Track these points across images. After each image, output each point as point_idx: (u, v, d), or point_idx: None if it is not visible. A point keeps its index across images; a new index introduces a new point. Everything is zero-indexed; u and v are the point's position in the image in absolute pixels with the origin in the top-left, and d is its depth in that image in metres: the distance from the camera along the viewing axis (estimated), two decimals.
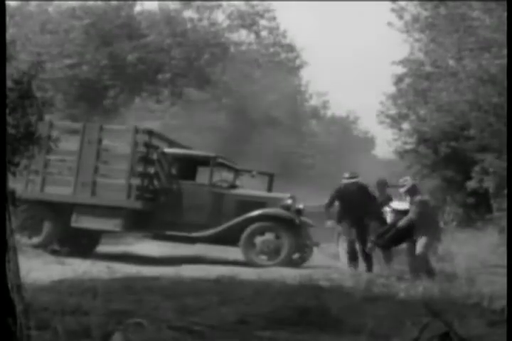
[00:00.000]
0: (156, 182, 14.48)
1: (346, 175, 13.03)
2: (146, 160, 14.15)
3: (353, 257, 12.54)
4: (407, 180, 11.44)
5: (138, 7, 31.58)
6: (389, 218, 12.21)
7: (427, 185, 26.41)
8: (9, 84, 9.42)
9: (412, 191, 11.32)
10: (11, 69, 9.56)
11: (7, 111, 8.95)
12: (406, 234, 11.24)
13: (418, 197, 11.22)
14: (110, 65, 28.83)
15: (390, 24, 25.25)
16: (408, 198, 11.46)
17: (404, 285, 9.34)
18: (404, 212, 11.38)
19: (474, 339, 5.72)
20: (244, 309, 5.68)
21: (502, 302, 7.31)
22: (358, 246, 12.61)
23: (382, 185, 13.37)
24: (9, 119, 9.47)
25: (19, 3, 28.52)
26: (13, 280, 3.55)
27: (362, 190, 12.90)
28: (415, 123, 25.97)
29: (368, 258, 12.55)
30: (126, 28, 29.80)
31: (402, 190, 11.44)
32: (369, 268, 12.49)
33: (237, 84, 30.06)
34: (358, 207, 12.63)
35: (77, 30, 28.58)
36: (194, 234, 14.01)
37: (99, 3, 29.75)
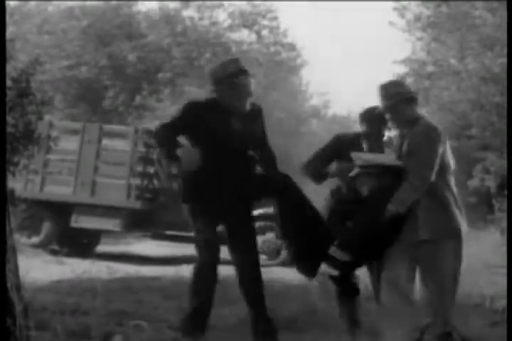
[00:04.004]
0: (156, 182, 14.44)
1: None
2: (146, 160, 14.12)
3: None
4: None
5: (137, 6, 31.51)
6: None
7: None
8: (8, 82, 9.39)
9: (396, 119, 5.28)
10: (10, 68, 9.54)
11: (6, 110, 8.91)
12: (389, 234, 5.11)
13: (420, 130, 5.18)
14: (109, 65, 28.78)
15: (391, 23, 25.22)
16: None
17: None
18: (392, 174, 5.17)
19: (476, 339, 5.69)
20: (245, 309, 5.64)
21: (504, 303, 7.27)
22: None
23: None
24: (8, 118, 9.44)
25: (18, 2, 28.49)
26: (13, 280, 3.52)
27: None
28: None
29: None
30: (125, 28, 29.76)
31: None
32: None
33: None
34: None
35: (75, 31, 28.54)
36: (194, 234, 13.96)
37: (98, 2, 29.70)
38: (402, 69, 26.30)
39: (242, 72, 5.61)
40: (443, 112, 23.03)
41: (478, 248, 15.64)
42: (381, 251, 5.09)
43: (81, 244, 15.02)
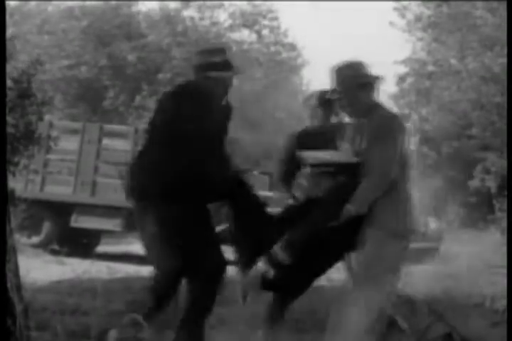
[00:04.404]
0: None
1: None
2: None
3: None
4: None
5: (137, 6, 31.48)
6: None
7: (429, 185, 26.38)
8: (8, 83, 9.39)
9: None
10: (10, 69, 9.54)
11: (6, 110, 8.91)
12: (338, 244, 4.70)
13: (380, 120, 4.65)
14: (109, 65, 28.75)
15: (392, 23, 25.23)
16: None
17: None
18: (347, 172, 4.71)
19: (476, 339, 5.68)
20: (245, 310, 5.63)
21: (504, 303, 7.26)
22: None
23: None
24: (9, 119, 9.44)
25: (19, 2, 28.48)
26: (13, 280, 3.51)
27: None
28: (417, 123, 25.93)
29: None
30: (125, 28, 29.73)
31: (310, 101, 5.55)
32: None
33: (238, 84, 30.04)
34: None
35: (75, 31, 28.52)
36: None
37: (98, 2, 29.68)
38: (402, 70, 26.33)
39: (224, 66, 4.88)
40: (443, 112, 23.04)
41: (479, 248, 15.65)
42: (340, 253, 4.74)
43: (81, 244, 15.01)
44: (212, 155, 4.76)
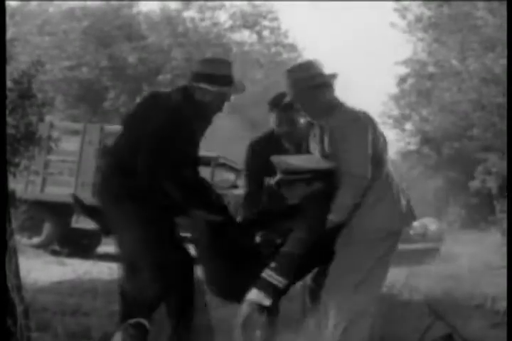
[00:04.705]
0: None
1: None
2: None
3: None
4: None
5: (138, 7, 31.47)
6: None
7: (430, 186, 26.38)
8: (9, 84, 9.39)
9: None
10: (11, 70, 9.54)
11: (7, 111, 8.92)
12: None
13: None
14: (110, 66, 28.78)
15: (392, 24, 25.23)
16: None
17: None
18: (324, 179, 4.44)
19: (477, 340, 5.68)
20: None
21: (505, 304, 7.26)
22: None
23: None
24: (9, 120, 9.44)
25: (19, 2, 28.50)
26: (13, 281, 3.51)
27: None
28: (418, 124, 25.93)
29: None
30: (125, 29, 29.76)
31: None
32: None
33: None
34: None
35: (76, 32, 28.54)
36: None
37: (99, 3, 29.69)
38: (403, 70, 26.34)
39: (222, 80, 4.56)
40: (444, 113, 23.05)
41: (480, 249, 15.65)
42: (326, 261, 4.43)
43: (82, 245, 15.00)
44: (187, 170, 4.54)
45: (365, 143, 4.29)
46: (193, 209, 4.52)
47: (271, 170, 4.56)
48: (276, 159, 4.46)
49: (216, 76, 4.54)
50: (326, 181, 4.34)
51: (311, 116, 4.55)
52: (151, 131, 4.38)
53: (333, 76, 4.53)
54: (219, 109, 4.65)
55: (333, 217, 4.23)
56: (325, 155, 4.42)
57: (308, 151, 4.69)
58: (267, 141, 5.02)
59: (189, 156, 4.55)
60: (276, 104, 4.88)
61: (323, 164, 4.39)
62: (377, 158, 4.36)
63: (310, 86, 4.40)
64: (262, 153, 4.86)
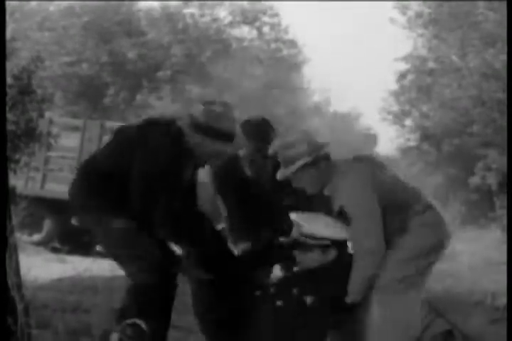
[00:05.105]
0: None
1: None
2: None
3: None
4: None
5: (138, 4, 31.40)
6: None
7: (430, 183, 26.37)
8: (9, 80, 9.38)
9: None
10: (11, 66, 9.53)
11: (7, 107, 8.90)
12: None
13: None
14: (110, 62, 28.74)
15: (392, 20, 25.19)
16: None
17: None
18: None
19: (477, 336, 5.68)
20: None
21: (505, 300, 7.28)
22: None
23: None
24: (9, 116, 9.43)
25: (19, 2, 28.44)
26: (14, 279, 3.51)
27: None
28: (418, 120, 25.91)
29: None
30: (125, 25, 29.71)
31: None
32: None
33: (238, 81, 30.01)
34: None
35: (76, 28, 28.50)
36: None
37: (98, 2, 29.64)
38: (403, 66, 26.29)
39: (225, 138, 4.25)
40: (444, 109, 23.03)
41: (480, 245, 15.67)
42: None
43: (82, 242, 14.98)
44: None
45: (370, 205, 4.02)
46: (183, 245, 4.39)
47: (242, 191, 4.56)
48: (292, 217, 4.26)
49: (218, 131, 4.22)
50: (342, 250, 4.13)
51: (310, 191, 4.23)
52: (140, 163, 4.22)
53: (322, 147, 4.20)
54: (210, 161, 4.47)
55: (349, 300, 4.01)
56: (334, 213, 4.16)
57: (273, 182, 4.43)
58: (231, 167, 4.81)
59: (179, 189, 4.34)
60: (252, 135, 4.69)
61: (341, 234, 4.14)
62: (398, 202, 4.09)
63: (299, 167, 4.11)
64: (226, 179, 4.77)
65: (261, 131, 4.73)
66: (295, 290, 4.05)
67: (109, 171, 4.32)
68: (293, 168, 4.08)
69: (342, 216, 4.07)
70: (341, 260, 4.10)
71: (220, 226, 4.82)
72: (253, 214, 4.73)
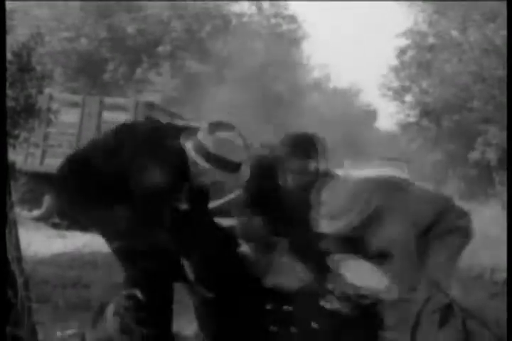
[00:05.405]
0: None
1: None
2: None
3: None
4: None
5: None
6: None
7: (429, 159, 26.38)
8: (8, 56, 9.35)
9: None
10: (10, 41, 9.49)
11: (6, 83, 8.88)
12: None
13: None
14: (109, 38, 28.62)
15: None
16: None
17: None
18: None
19: (476, 310, 5.71)
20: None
21: (503, 275, 7.31)
22: None
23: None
24: (9, 92, 9.42)
25: None
26: (14, 253, 3.52)
27: None
28: (418, 96, 25.86)
29: None
30: (124, 1, 29.55)
31: None
32: None
33: (238, 57, 29.92)
34: None
35: (75, 3, 28.35)
36: None
37: None
38: (403, 42, 26.22)
39: (231, 169, 4.16)
40: (444, 85, 22.97)
41: (479, 221, 15.65)
42: None
43: None
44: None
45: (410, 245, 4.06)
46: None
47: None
48: (335, 262, 4.17)
49: (226, 162, 4.12)
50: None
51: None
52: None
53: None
54: (205, 187, 4.36)
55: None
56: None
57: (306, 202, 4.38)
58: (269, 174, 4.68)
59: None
60: (298, 151, 4.57)
61: (381, 284, 4.07)
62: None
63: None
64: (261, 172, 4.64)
65: (307, 148, 4.58)
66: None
67: (103, 168, 4.22)
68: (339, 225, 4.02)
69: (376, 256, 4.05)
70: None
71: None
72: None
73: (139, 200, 4.07)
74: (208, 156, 4.07)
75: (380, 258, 4.03)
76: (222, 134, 4.12)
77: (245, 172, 4.28)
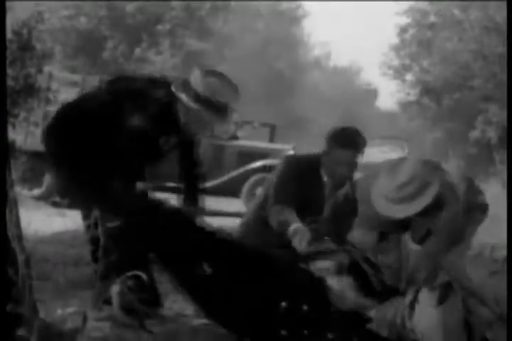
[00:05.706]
0: None
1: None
2: None
3: None
4: None
5: None
6: None
7: (429, 138, 26.36)
8: (8, 35, 9.32)
9: None
10: (10, 20, 9.46)
11: (7, 62, 8.86)
12: None
13: None
14: (108, 16, 28.49)
15: None
16: None
17: None
18: None
19: (476, 288, 5.72)
20: None
21: (503, 253, 7.32)
22: None
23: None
24: (8, 71, 9.40)
25: None
26: (14, 231, 3.53)
27: None
28: (419, 74, 25.81)
29: None
30: None
31: None
32: None
33: (238, 36, 29.82)
34: None
35: None
36: None
37: None
38: (404, 20, 26.12)
39: (220, 112, 4.41)
40: (445, 63, 22.91)
41: None
42: None
43: None
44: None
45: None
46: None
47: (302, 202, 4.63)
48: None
49: (216, 104, 4.35)
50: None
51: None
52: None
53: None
54: (193, 131, 4.56)
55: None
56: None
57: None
58: (307, 165, 4.90)
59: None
60: (343, 144, 4.72)
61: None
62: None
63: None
64: (298, 174, 4.81)
65: (353, 141, 4.75)
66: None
67: (95, 120, 4.44)
68: (415, 208, 4.03)
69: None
70: None
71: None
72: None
73: (123, 145, 4.27)
74: (197, 97, 4.28)
75: (425, 237, 4.25)
76: (212, 78, 4.38)
77: (233, 117, 4.54)
